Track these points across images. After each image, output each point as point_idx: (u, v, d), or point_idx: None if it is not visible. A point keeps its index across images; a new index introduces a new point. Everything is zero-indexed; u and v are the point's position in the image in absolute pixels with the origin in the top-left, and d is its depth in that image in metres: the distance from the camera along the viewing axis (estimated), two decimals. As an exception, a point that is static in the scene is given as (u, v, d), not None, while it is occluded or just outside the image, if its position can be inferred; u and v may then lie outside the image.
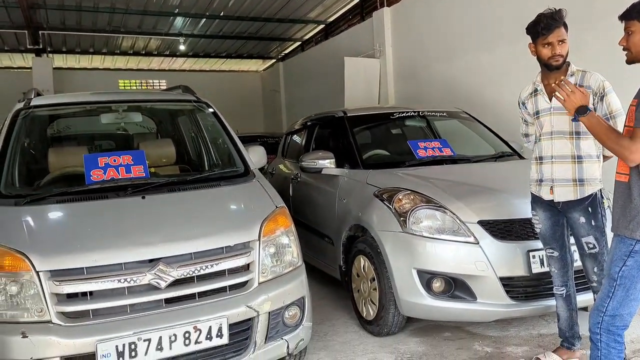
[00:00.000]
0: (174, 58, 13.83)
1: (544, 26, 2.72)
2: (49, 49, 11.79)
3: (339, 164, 4.28)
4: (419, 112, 4.82)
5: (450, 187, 3.52)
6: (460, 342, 3.49)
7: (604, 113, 2.70)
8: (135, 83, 14.32)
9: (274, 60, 14.21)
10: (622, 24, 2.31)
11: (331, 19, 10.80)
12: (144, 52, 13.11)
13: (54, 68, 11.43)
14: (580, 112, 2.37)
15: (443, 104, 5.58)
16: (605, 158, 2.84)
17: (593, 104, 2.71)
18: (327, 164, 4.27)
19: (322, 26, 11.31)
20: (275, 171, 5.87)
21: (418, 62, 7.06)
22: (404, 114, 4.82)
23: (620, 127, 2.64)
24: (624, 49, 2.30)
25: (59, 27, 10.57)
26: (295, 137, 5.81)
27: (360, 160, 4.21)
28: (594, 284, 2.80)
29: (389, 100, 7.61)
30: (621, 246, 2.19)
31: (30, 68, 11.46)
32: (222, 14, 10.15)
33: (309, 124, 5.44)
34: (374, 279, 3.57)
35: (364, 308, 3.75)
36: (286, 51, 13.58)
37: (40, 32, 10.60)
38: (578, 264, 2.97)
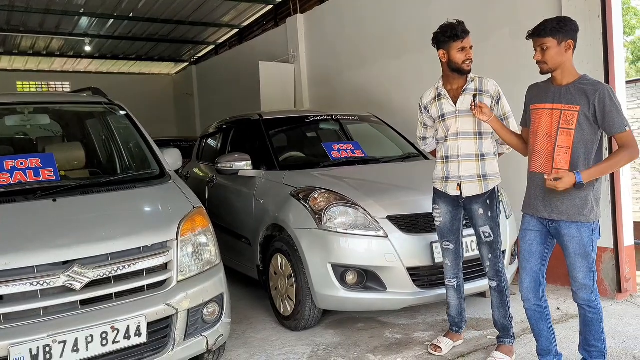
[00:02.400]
0: (79, 59, 13.15)
1: (462, 30, 2.97)
2: None
3: (255, 166, 4.37)
4: (332, 116, 5.03)
5: (361, 186, 3.73)
6: (372, 332, 3.70)
7: (499, 115, 3.02)
8: (35, 85, 13.47)
9: (186, 64, 13.94)
10: (531, 41, 2.58)
11: (245, 24, 10.82)
12: (45, 53, 12.36)
13: (-58, 68, 10.54)
14: (578, 186, 2.46)
15: (355, 109, 5.83)
16: (500, 155, 3.17)
17: (491, 106, 3.01)
18: (243, 165, 4.35)
19: (236, 30, 11.30)
20: (190, 175, 5.84)
21: (331, 68, 7.30)
22: (319, 118, 5.01)
23: (513, 127, 2.99)
24: (538, 63, 2.58)
25: (-52, 25, 9.77)
26: (211, 141, 5.82)
27: (276, 162, 4.33)
28: (487, 270, 3.11)
29: (304, 105, 7.79)
30: (584, 230, 2.54)
31: None
32: (131, 15, 9.84)
33: (224, 127, 5.48)
34: (291, 276, 3.70)
35: (281, 305, 3.87)
36: (199, 54, 13.40)
37: None
38: (466, 255, 3.34)
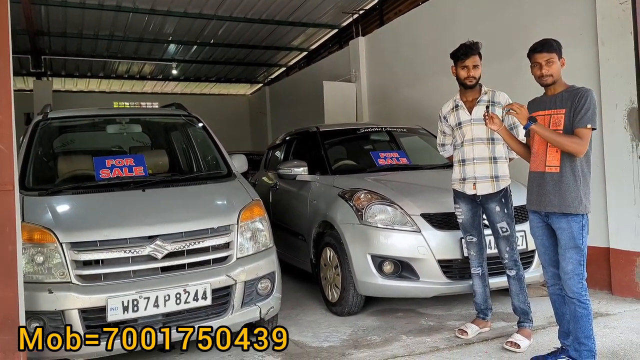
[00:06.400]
0: (167, 82, 14.54)
1: (462, 52, 3.44)
2: (49, 73, 12.45)
3: (311, 171, 4.94)
4: (382, 128, 5.53)
5: (399, 187, 4.20)
6: (409, 319, 4.12)
7: (509, 123, 3.41)
8: (129, 105, 15.00)
9: (260, 85, 14.98)
10: (538, 55, 2.87)
11: (313, 47, 11.61)
12: (138, 76, 13.81)
13: (53, 90, 12.05)
14: (525, 126, 2.86)
15: (411, 122, 6.28)
16: (510, 160, 3.54)
17: (502, 116, 3.41)
18: (300, 171, 4.93)
19: (305, 53, 12.11)
20: (257, 182, 6.52)
21: (389, 86, 7.82)
22: (369, 130, 5.52)
23: (521, 135, 3.35)
24: (543, 76, 2.89)
25: (60, 53, 11.23)
26: (276, 151, 6.48)
27: (329, 168, 4.89)
28: (506, 261, 3.46)
29: (364, 119, 8.32)
30: (573, 224, 2.78)
31: (30, 90, 12.11)
32: (212, 41, 10.90)
33: (287, 138, 6.13)
34: (337, 266, 4.21)
35: (329, 292, 4.38)
36: (272, 76, 14.36)
37: (42, 57, 11.28)
38: (490, 251, 3.66)
